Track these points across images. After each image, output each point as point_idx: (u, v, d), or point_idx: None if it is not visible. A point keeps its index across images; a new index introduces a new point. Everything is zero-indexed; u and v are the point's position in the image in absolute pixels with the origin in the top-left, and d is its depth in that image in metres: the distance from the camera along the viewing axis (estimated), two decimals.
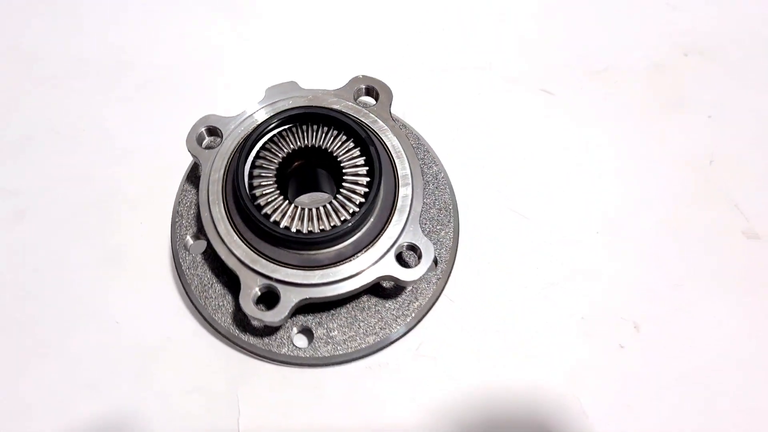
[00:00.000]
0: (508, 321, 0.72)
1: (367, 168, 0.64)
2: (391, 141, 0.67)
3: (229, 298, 0.69)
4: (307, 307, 0.68)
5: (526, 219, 0.79)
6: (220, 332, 0.69)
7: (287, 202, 0.63)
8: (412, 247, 0.63)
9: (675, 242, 0.78)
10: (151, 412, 0.68)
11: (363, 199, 0.62)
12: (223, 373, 0.69)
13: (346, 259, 0.62)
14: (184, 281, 0.70)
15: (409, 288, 0.70)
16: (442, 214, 0.73)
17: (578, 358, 0.70)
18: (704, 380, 0.69)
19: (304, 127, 0.66)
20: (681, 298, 0.74)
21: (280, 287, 0.61)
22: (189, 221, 0.71)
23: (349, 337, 0.68)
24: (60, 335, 0.72)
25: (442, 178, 0.75)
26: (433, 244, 0.70)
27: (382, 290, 0.69)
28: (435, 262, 0.71)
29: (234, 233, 0.62)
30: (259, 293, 0.62)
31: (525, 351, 0.71)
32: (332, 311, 0.69)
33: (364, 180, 0.64)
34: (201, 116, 0.68)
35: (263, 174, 0.64)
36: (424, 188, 0.73)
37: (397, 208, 0.64)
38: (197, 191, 0.66)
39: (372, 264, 0.62)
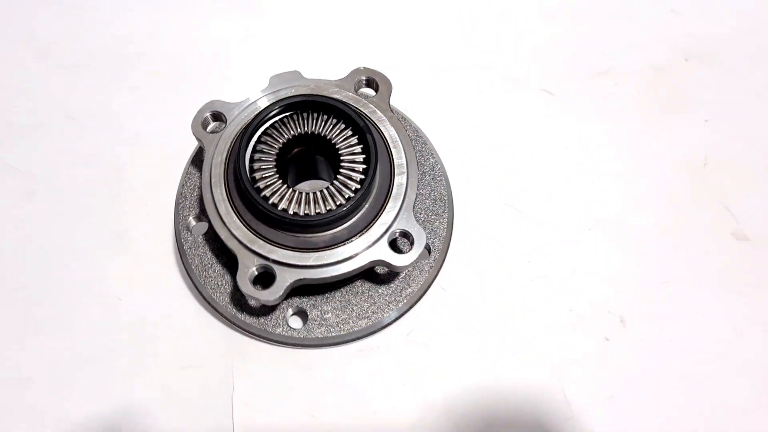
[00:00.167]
0: (498, 311, 0.74)
1: (363, 156, 0.66)
2: (389, 131, 0.69)
3: (227, 278, 0.71)
4: (303, 290, 0.70)
5: (520, 213, 0.80)
6: (218, 311, 0.71)
7: (286, 185, 0.65)
8: (405, 234, 0.65)
9: (665, 240, 0.79)
10: (149, 385, 0.70)
11: (358, 186, 0.64)
12: (219, 350, 0.72)
13: (341, 243, 0.64)
14: (185, 261, 0.72)
15: (402, 274, 0.72)
16: (437, 204, 0.75)
17: (564, 348, 0.72)
18: (685, 375, 0.71)
19: (305, 115, 0.69)
20: (668, 294, 0.76)
21: (276, 268, 0.63)
22: (192, 203, 0.74)
23: (342, 320, 0.70)
24: (64, 310, 0.74)
25: (439, 170, 0.77)
26: (427, 233, 0.73)
27: (376, 276, 0.72)
28: (428, 250, 0.73)
29: (234, 214, 0.65)
30: (256, 273, 0.64)
31: (513, 340, 0.73)
32: (327, 294, 0.71)
33: (361, 167, 0.66)
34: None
35: (264, 158, 0.66)
36: (421, 179, 0.75)
37: (392, 195, 0.66)
38: (201, 174, 0.68)
39: (365, 248, 0.64)
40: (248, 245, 0.64)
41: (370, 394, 0.70)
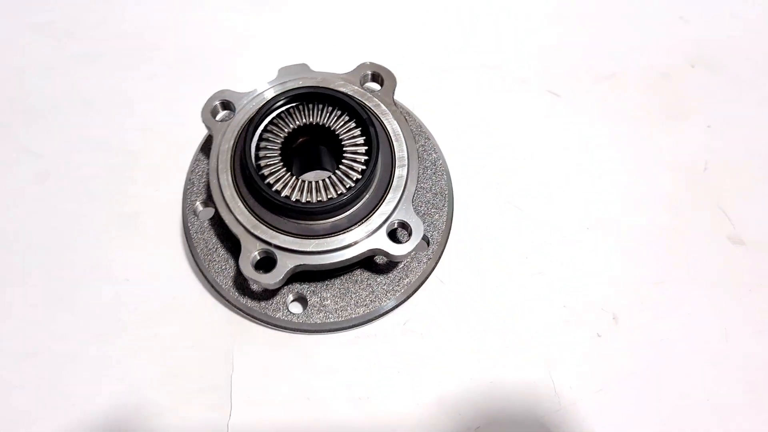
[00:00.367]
0: (493, 305, 0.76)
1: (366, 147, 0.68)
2: (392, 125, 0.71)
3: (231, 263, 0.73)
4: (304, 276, 0.72)
5: (520, 211, 0.82)
6: (221, 294, 0.73)
7: (290, 174, 0.67)
8: (403, 225, 0.67)
9: (662, 242, 0.81)
10: (152, 362, 0.72)
11: (359, 176, 0.66)
12: (221, 332, 0.74)
13: (341, 231, 0.66)
14: (192, 245, 0.74)
15: (401, 265, 0.74)
16: (438, 198, 0.77)
17: (556, 343, 0.74)
18: (672, 373, 0.73)
19: (310, 106, 0.71)
20: (661, 294, 0.77)
21: (277, 252, 0.65)
22: (200, 189, 0.76)
23: (340, 307, 0.72)
24: (73, 289, 0.77)
25: (441, 165, 0.79)
26: (427, 225, 0.75)
27: (375, 266, 0.74)
28: (427, 242, 0.75)
29: (239, 199, 0.67)
30: (258, 257, 0.66)
31: (507, 333, 0.74)
32: (327, 282, 0.73)
33: (362, 158, 0.68)
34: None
35: (269, 147, 0.69)
36: (423, 172, 0.77)
37: (392, 187, 0.68)
38: (209, 161, 0.71)
39: (364, 237, 0.66)
40: (251, 230, 0.66)
41: (364, 380, 0.72)
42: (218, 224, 0.74)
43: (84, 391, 0.71)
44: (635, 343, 0.74)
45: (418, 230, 0.66)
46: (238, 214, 0.66)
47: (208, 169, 0.71)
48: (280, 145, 0.69)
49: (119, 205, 0.82)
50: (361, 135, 0.69)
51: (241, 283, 0.72)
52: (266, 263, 0.66)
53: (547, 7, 1.01)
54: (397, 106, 0.73)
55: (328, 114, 0.70)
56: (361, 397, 0.71)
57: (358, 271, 0.73)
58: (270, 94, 0.71)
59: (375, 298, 0.72)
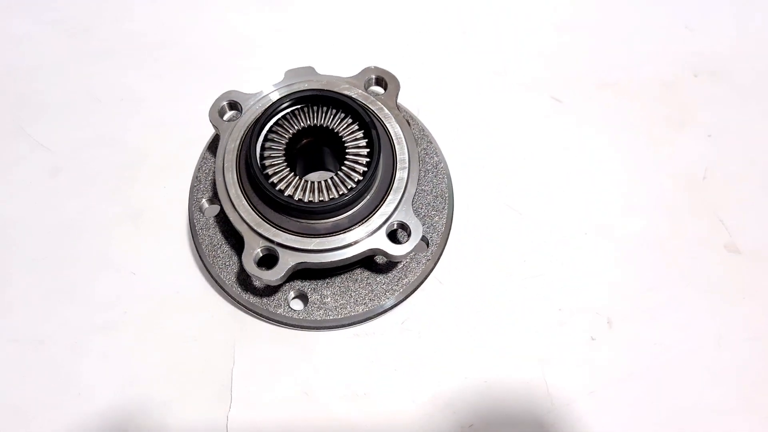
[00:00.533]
0: (490, 306, 0.77)
1: (368, 149, 0.70)
2: (394, 128, 0.72)
3: (235, 259, 0.75)
4: (305, 274, 0.74)
5: (519, 214, 0.84)
6: (224, 289, 0.75)
7: (293, 174, 0.69)
8: (403, 226, 0.69)
9: (658, 249, 0.82)
10: (155, 355, 0.74)
11: (361, 177, 0.68)
12: (223, 327, 0.76)
13: (342, 230, 0.68)
14: (197, 241, 0.76)
15: (400, 265, 0.75)
16: (438, 201, 0.78)
17: (550, 344, 0.75)
18: (665, 377, 0.74)
19: (315, 108, 0.72)
20: (656, 300, 0.78)
21: (279, 250, 0.67)
22: (206, 186, 0.78)
23: (340, 305, 0.74)
24: (81, 281, 0.79)
25: (442, 168, 0.80)
26: (427, 227, 0.76)
27: (375, 265, 0.75)
28: (426, 243, 0.76)
29: (243, 198, 0.69)
30: (260, 254, 0.68)
31: (503, 334, 0.76)
32: (327, 280, 0.75)
33: (364, 160, 0.69)
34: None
35: (274, 147, 0.70)
36: (424, 175, 0.79)
37: (393, 188, 0.69)
38: (215, 159, 0.72)
39: (365, 237, 0.68)
40: (255, 228, 0.68)
41: (362, 377, 0.74)
42: (223, 221, 0.76)
43: (88, 380, 0.73)
44: (628, 347, 0.75)
45: (417, 231, 0.68)
46: (243, 211, 0.68)
47: (214, 167, 0.73)
48: (285, 146, 0.71)
49: (127, 200, 0.84)
50: (363, 137, 0.71)
51: (243, 279, 0.74)
52: (268, 260, 0.68)
53: (552, 14, 1.03)
54: (400, 110, 0.75)
55: (332, 116, 0.72)
56: (358, 394, 0.73)
57: (358, 270, 0.75)
58: (276, 96, 0.73)
59: (374, 296, 0.74)
